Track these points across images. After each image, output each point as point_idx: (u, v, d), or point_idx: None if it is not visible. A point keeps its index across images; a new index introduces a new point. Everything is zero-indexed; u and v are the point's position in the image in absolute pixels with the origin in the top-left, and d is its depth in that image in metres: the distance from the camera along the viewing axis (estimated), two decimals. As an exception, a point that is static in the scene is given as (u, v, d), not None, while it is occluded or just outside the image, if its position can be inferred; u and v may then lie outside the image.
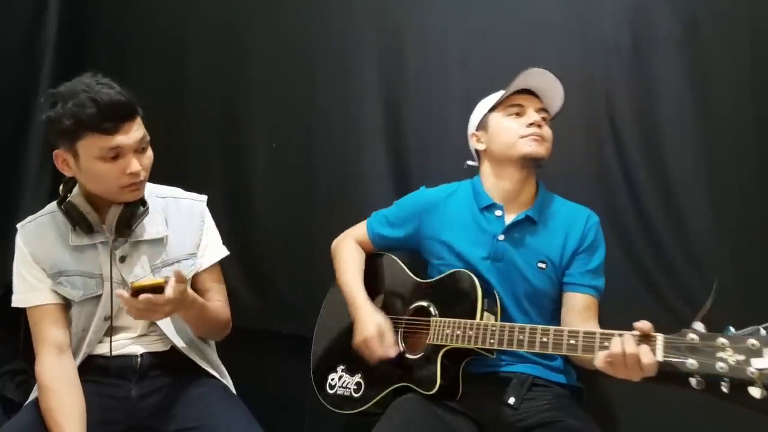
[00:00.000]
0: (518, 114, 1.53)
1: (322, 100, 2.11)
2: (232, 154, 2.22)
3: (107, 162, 1.34)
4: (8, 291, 1.50)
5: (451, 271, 1.51)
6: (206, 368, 1.53)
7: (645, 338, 1.12)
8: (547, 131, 1.53)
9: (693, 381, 1.05)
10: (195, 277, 1.55)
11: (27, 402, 1.46)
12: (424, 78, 1.98)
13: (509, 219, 1.53)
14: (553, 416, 1.39)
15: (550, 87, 1.52)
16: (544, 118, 1.54)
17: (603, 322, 1.48)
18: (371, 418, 1.51)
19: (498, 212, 1.54)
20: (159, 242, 1.51)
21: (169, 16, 2.32)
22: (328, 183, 2.10)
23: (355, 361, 1.58)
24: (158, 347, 1.50)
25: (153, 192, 1.54)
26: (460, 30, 1.93)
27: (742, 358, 1.01)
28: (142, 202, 1.46)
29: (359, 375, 1.58)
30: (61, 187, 1.48)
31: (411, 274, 1.62)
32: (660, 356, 1.09)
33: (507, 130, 1.52)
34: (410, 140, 2.00)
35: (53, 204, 1.50)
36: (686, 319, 1.69)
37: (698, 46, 1.68)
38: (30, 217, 1.51)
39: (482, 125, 1.59)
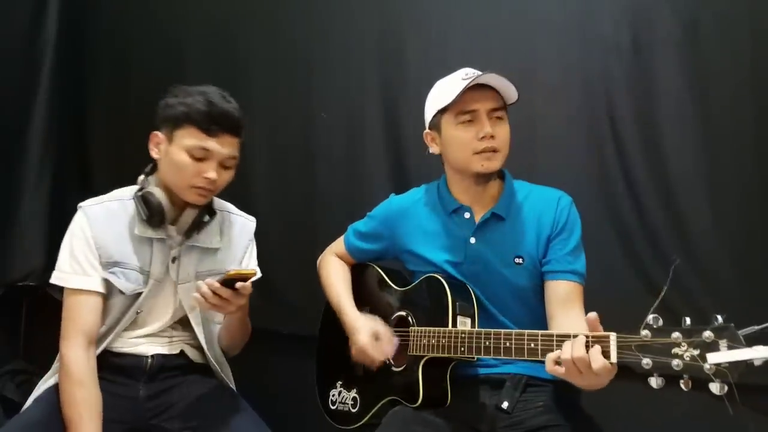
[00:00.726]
0: (471, 121, 1.42)
1: (322, 101, 2.11)
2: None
3: (192, 158, 1.41)
4: (8, 291, 1.51)
5: (423, 277, 1.48)
6: (216, 370, 1.55)
7: (597, 339, 1.06)
8: (500, 138, 1.43)
9: (652, 381, 1.00)
10: None
11: (35, 397, 1.46)
12: (424, 78, 1.97)
13: (478, 219, 1.48)
14: (548, 420, 1.35)
15: (503, 85, 1.43)
16: (499, 117, 1.44)
17: (602, 323, 1.47)
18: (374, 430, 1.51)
19: (467, 214, 1.49)
20: (212, 252, 1.55)
21: (169, 16, 2.33)
22: (328, 182, 2.10)
23: (350, 376, 1.59)
24: (169, 349, 1.52)
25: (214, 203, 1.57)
26: (461, 30, 1.93)
27: (696, 353, 0.95)
28: (211, 212, 1.52)
29: (355, 390, 1.58)
30: (140, 178, 1.50)
31: (390, 283, 1.60)
32: (614, 358, 1.03)
33: (459, 144, 1.43)
34: (410, 140, 2.00)
35: (120, 191, 1.53)
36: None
37: (698, 46, 1.68)
38: (94, 200, 1.51)
39: (435, 125, 1.49)
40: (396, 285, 1.58)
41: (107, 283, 1.45)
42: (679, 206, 1.70)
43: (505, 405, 1.37)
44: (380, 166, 2.03)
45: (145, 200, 1.44)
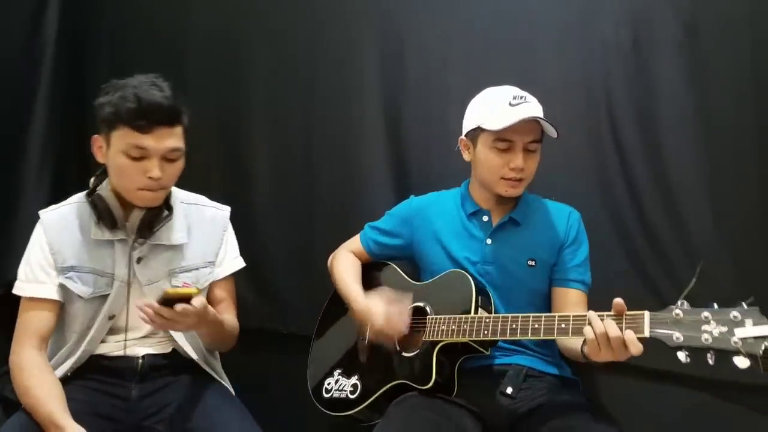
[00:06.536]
0: (506, 149, 1.49)
1: (323, 103, 2.11)
2: (233, 156, 2.22)
3: (130, 159, 1.35)
4: (8, 291, 1.50)
5: (446, 271, 1.55)
6: (208, 370, 1.54)
7: (631, 318, 1.16)
8: (529, 170, 1.51)
9: (681, 355, 1.09)
10: (210, 286, 1.57)
11: None
12: (424, 79, 1.98)
13: (495, 222, 1.58)
14: (550, 399, 1.45)
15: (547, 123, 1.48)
16: (532, 150, 1.50)
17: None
18: (361, 424, 1.52)
19: (485, 217, 1.59)
20: (178, 248, 1.51)
21: (170, 17, 2.32)
22: (329, 184, 2.10)
23: (351, 364, 1.60)
24: (160, 349, 1.51)
25: (178, 198, 1.55)
26: (461, 30, 1.93)
27: (725, 329, 1.06)
28: (168, 207, 1.48)
29: (356, 377, 1.59)
30: (91, 180, 1.48)
31: (408, 279, 1.65)
32: (647, 332, 1.13)
33: (490, 166, 1.52)
34: (410, 142, 2.00)
35: (78, 195, 1.51)
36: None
37: (699, 46, 1.68)
38: (53, 206, 1.50)
39: (471, 136, 1.56)
40: (413, 280, 1.64)
41: (64, 289, 1.43)
42: (679, 206, 1.70)
43: (509, 390, 1.45)
44: (380, 167, 2.03)
45: (93, 203, 1.43)
